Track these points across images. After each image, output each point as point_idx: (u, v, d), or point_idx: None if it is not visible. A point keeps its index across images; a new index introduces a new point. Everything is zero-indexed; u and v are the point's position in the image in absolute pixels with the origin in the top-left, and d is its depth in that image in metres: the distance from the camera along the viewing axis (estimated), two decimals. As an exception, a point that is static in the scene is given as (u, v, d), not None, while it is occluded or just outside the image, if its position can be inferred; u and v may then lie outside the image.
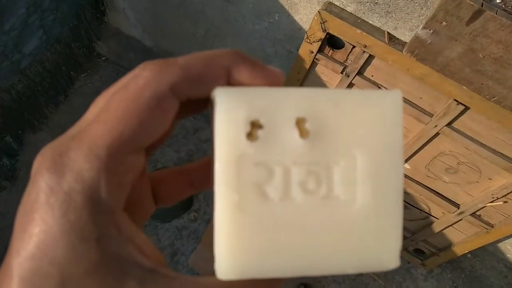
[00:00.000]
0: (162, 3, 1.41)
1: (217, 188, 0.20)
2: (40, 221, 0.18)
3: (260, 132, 0.20)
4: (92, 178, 0.19)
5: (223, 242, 0.20)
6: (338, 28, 1.08)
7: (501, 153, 1.14)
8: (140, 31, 1.69)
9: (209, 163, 0.25)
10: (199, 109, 0.24)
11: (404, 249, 1.81)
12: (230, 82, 0.21)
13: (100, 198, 0.19)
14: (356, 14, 1.08)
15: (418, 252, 1.78)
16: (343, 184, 0.21)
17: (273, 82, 0.21)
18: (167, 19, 1.47)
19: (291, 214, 0.20)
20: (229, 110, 0.20)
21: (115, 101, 0.20)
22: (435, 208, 1.46)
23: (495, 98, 0.99)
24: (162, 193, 0.26)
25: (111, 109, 0.20)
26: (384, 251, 0.21)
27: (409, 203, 1.51)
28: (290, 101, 0.20)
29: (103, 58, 2.04)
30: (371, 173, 0.21)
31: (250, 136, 0.20)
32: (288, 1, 1.16)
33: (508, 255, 1.73)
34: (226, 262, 0.20)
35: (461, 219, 1.42)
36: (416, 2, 0.99)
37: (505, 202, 1.26)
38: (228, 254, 0.20)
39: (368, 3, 1.05)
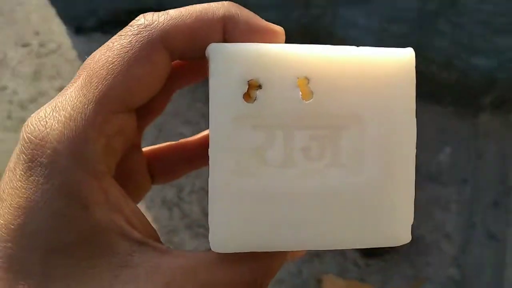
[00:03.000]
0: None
1: (211, 153, 0.19)
2: (22, 188, 0.18)
3: (258, 93, 0.19)
4: (77, 137, 0.18)
5: (217, 212, 0.19)
6: None
7: None
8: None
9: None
10: (197, 76, 0.24)
11: None
12: (226, 37, 0.20)
13: (87, 160, 0.18)
14: None
15: None
16: (349, 151, 0.20)
17: (272, 39, 0.20)
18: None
19: (293, 182, 0.19)
20: (224, 68, 0.19)
21: (101, 56, 0.19)
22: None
23: None
24: (159, 170, 0.25)
25: (97, 64, 0.19)
26: (394, 225, 0.20)
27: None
28: (292, 58, 0.19)
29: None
30: (381, 140, 0.20)
31: (247, 96, 0.19)
32: None
33: None
34: (221, 233, 0.19)
35: None
36: None
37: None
38: (223, 224, 0.19)
39: None
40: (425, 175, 0.83)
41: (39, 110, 0.19)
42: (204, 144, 0.25)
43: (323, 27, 0.81)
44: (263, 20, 0.20)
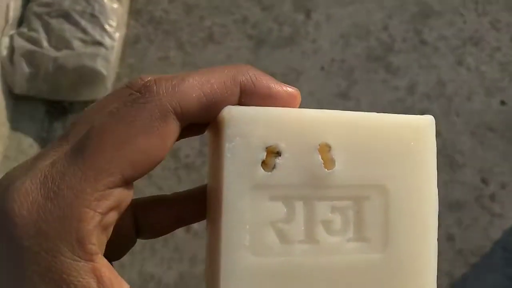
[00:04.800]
0: None
1: (224, 227, 0.17)
2: None
3: (277, 160, 0.18)
4: (68, 217, 0.16)
5: None
6: None
7: None
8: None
9: (203, 193, 0.22)
10: (197, 131, 0.22)
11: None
12: (242, 101, 0.19)
13: (78, 241, 0.16)
14: None
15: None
16: (373, 224, 0.19)
17: (290, 102, 0.19)
18: None
19: (315, 260, 0.18)
20: (243, 132, 0.18)
21: (101, 122, 0.17)
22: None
23: None
24: (146, 225, 0.23)
25: (96, 131, 0.17)
26: None
27: None
28: (313, 124, 0.18)
29: None
30: (406, 211, 0.19)
31: (266, 164, 0.18)
32: None
33: None
34: None
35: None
36: None
37: None
38: None
39: None
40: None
41: (20, 178, 0.16)
42: (199, 199, 0.23)
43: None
44: (281, 82, 0.19)
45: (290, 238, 0.18)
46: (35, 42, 0.95)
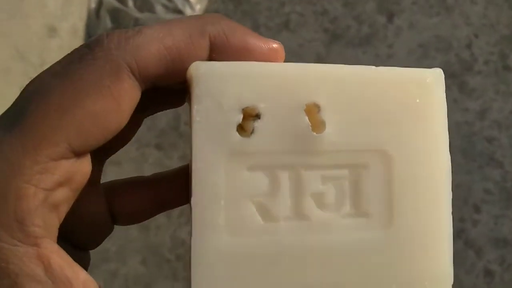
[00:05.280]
0: None
1: (194, 204, 0.15)
2: None
3: (256, 124, 0.16)
4: (4, 195, 0.14)
5: (204, 283, 0.15)
6: None
7: None
8: None
9: (186, 172, 0.20)
10: (175, 100, 0.19)
11: None
12: (213, 56, 0.16)
13: (18, 223, 0.14)
14: None
15: None
16: (374, 196, 0.16)
17: (271, 58, 0.17)
18: None
19: (304, 240, 0.16)
20: (213, 92, 0.15)
21: (45, 84, 0.15)
22: None
23: None
24: (122, 211, 0.21)
25: (39, 95, 0.15)
26: (432, 283, 0.17)
27: None
28: (297, 80, 0.16)
29: None
30: (412, 180, 0.17)
31: (243, 129, 0.16)
32: None
33: None
34: None
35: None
36: None
37: None
38: None
39: None
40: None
41: None
42: (181, 180, 0.21)
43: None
44: (258, 34, 0.17)
45: (274, 215, 0.16)
46: (121, 0, 1.00)
